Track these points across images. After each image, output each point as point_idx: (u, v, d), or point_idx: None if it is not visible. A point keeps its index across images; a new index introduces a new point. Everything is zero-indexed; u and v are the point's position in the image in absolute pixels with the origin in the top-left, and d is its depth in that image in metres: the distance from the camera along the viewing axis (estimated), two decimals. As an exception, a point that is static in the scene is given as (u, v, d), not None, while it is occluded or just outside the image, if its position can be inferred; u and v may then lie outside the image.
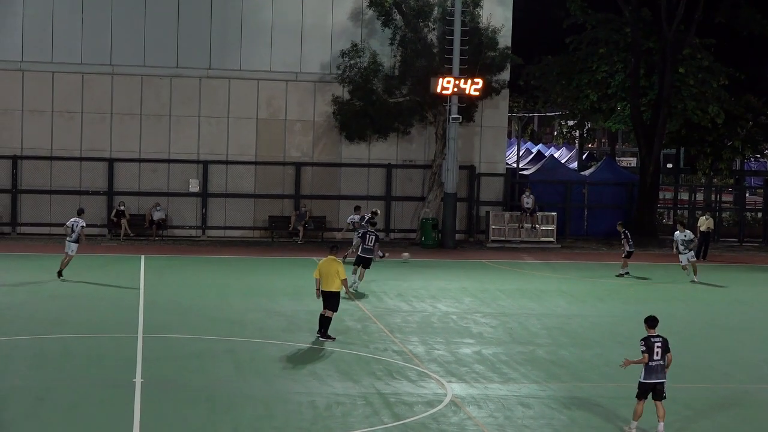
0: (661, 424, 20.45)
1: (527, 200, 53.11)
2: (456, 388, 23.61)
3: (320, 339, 28.35)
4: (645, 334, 20.77)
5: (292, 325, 30.41)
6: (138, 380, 23.25)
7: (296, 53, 52.66)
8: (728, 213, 63.37)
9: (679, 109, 57.35)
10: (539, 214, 53.41)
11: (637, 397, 20.60)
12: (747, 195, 68.85)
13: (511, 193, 55.81)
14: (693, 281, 41.29)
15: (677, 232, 41.77)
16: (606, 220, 56.81)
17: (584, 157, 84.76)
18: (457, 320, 31.98)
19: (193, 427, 20.30)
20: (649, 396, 20.61)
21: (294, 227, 50.43)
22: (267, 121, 52.76)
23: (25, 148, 51.00)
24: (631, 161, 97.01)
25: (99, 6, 51.11)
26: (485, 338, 29.34)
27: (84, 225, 38.18)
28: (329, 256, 28.67)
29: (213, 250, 48.28)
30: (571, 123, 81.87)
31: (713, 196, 62.53)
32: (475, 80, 50.11)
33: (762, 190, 67.96)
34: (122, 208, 50.76)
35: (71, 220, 38.24)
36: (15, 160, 50.98)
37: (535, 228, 53.12)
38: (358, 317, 31.88)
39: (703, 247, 49.07)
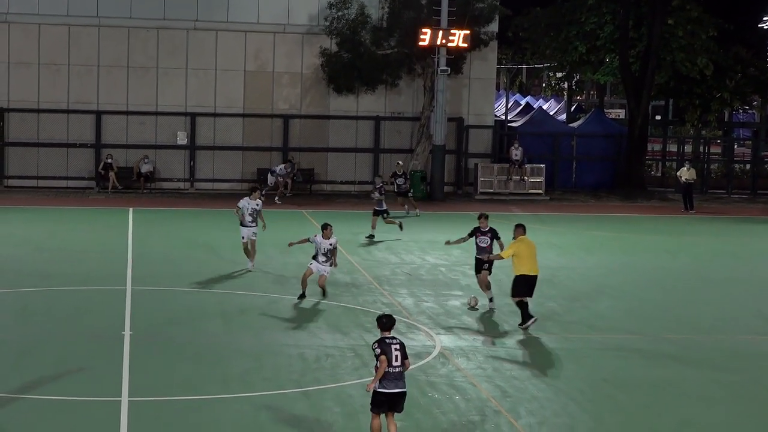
0: None
1: (516, 152, 53.04)
2: (444, 340, 23.61)
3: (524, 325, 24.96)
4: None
5: (281, 278, 30.35)
6: (126, 333, 23.20)
7: (284, 5, 52.34)
8: (717, 165, 63.37)
9: (668, 60, 57.20)
10: (528, 166, 53.39)
11: (371, 410, 16.20)
12: (735, 146, 68.86)
13: (499, 146, 55.75)
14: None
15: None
16: (595, 172, 56.84)
17: (573, 109, 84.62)
18: (446, 272, 31.98)
19: (183, 379, 20.26)
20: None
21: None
22: (254, 74, 52.52)
23: (11, 100, 50.75)
24: (620, 113, 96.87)
25: (85, -43, 50.77)
26: (474, 290, 29.29)
27: (255, 207, 30.95)
28: (521, 235, 25.03)
29: (201, 202, 48.17)
30: (559, 75, 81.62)
31: (702, 148, 62.52)
32: (464, 32, 49.90)
33: (750, 142, 68.00)
34: (110, 160, 50.62)
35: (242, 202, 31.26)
36: (2, 112, 50.76)
37: (523, 180, 53.11)
38: (346, 269, 31.83)
39: (687, 197, 49.08)
